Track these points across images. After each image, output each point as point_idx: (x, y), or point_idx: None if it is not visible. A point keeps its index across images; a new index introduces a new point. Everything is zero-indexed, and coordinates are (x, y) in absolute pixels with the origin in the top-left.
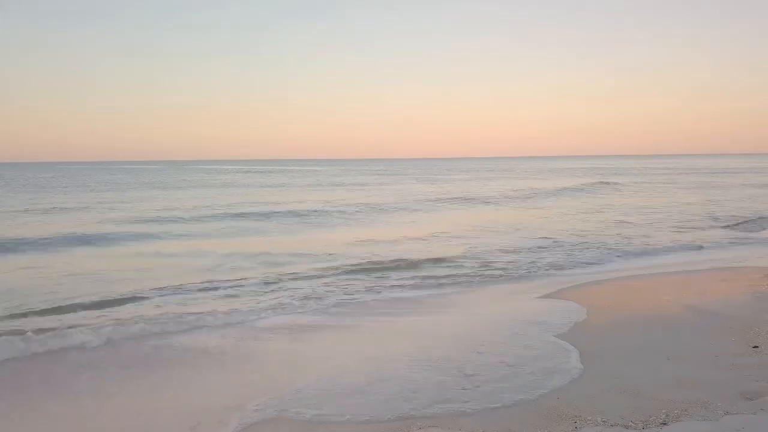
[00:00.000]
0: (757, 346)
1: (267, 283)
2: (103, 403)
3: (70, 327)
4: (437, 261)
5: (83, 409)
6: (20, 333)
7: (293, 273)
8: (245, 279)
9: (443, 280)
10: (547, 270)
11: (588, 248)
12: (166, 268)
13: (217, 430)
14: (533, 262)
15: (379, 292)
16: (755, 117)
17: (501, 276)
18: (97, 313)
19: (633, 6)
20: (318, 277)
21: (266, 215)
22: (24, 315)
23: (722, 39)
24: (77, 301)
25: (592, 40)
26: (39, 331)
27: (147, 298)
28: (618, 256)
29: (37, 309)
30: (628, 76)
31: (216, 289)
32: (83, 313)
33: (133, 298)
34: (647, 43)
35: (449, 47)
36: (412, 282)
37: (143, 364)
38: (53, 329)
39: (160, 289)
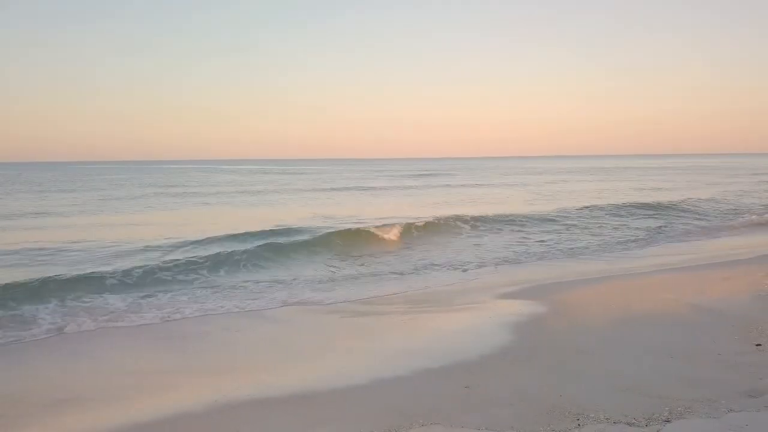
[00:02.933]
0: (761, 345)
1: None
2: None
3: None
4: None
5: None
6: None
7: None
8: None
9: None
10: None
11: None
12: None
13: None
14: None
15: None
16: (759, 116)
17: None
18: None
19: (634, 5)
20: None
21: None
22: None
23: (724, 38)
24: None
25: (592, 39)
26: None
27: None
28: None
29: None
30: (629, 75)
31: None
32: None
33: None
34: (648, 42)
35: (449, 47)
36: None
37: None
38: None
39: None
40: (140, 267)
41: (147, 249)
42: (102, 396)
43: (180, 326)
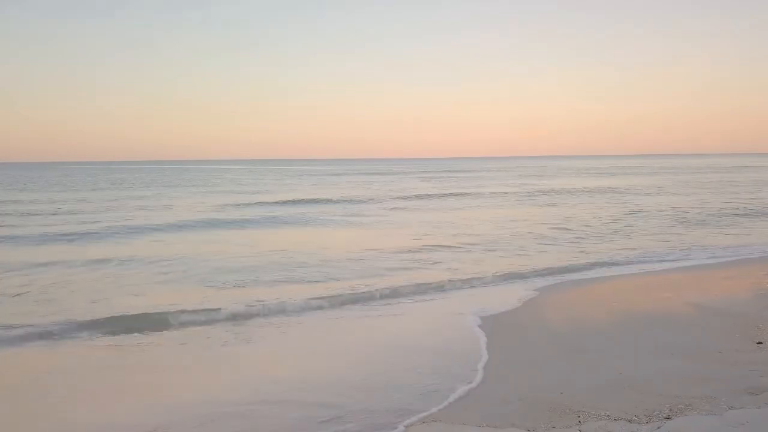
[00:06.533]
0: (761, 342)
1: None
2: None
3: None
4: None
5: None
6: None
7: None
8: None
9: None
10: None
11: None
12: None
13: None
14: None
15: None
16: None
17: None
18: None
19: (638, 4)
20: None
21: None
22: None
23: (730, 34)
24: None
25: (596, 36)
26: None
27: None
28: None
29: None
30: (634, 72)
31: None
32: None
33: None
34: (652, 39)
35: (450, 47)
36: None
37: None
38: None
39: None
40: None
41: None
42: None
43: None
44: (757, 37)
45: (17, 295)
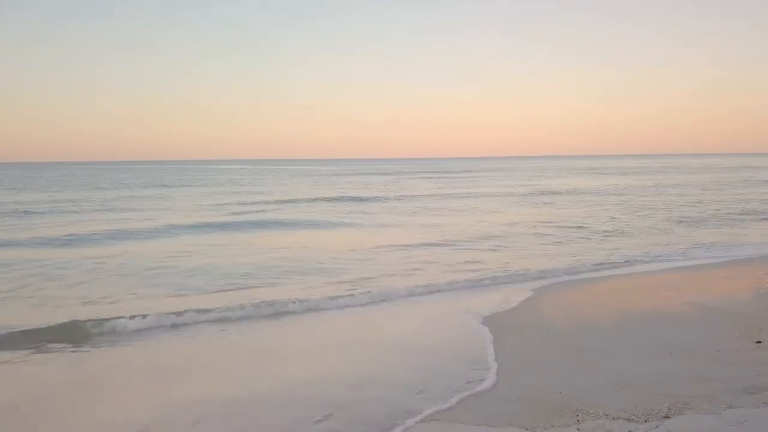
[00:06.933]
0: (761, 342)
1: None
2: None
3: None
4: None
5: None
6: None
7: None
8: None
9: None
10: None
11: None
12: None
13: None
14: None
15: None
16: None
17: None
18: None
19: (636, 2)
20: None
21: None
22: None
23: (730, 34)
24: None
25: (596, 36)
26: None
27: None
28: None
29: None
30: (634, 72)
31: None
32: None
33: None
34: (652, 39)
35: (450, 47)
36: None
37: None
38: None
39: None
40: None
41: None
42: None
43: None
44: (757, 37)
45: (9, 291)
